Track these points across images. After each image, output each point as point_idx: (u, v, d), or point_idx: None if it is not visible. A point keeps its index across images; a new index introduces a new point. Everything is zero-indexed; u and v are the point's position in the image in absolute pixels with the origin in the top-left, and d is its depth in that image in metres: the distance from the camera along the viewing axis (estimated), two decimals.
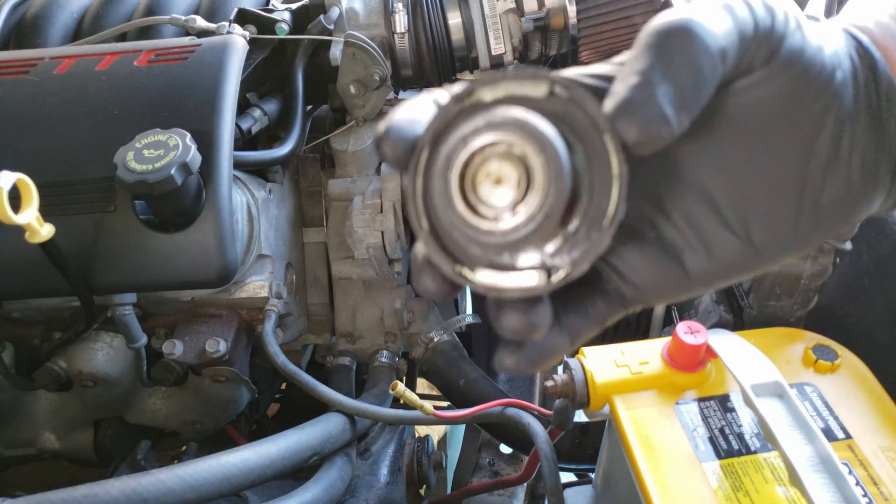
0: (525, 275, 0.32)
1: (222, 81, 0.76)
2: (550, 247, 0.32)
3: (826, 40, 0.36)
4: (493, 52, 1.01)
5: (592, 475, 0.82)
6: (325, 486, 0.73)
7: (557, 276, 0.32)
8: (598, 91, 0.34)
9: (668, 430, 0.63)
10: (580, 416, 0.72)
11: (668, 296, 0.39)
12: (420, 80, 1.06)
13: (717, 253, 0.37)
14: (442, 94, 0.35)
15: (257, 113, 0.93)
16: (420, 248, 0.34)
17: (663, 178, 0.37)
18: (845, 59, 0.36)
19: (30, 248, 0.63)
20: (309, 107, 1.09)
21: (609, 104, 0.31)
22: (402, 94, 1.15)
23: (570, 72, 0.37)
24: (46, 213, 0.63)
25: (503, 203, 0.30)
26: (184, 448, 0.95)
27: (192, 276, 0.71)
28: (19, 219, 0.59)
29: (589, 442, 0.88)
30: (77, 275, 0.71)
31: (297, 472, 0.73)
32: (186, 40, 0.85)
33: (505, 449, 1.08)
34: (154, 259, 0.71)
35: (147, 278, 0.72)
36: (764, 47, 0.34)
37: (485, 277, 0.32)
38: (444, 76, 1.06)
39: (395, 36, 1.00)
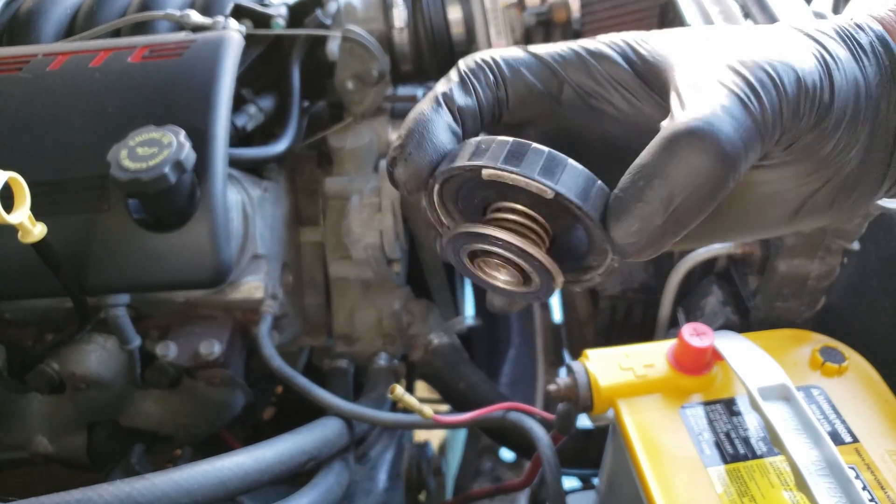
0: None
1: (217, 78, 0.75)
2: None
3: (855, 97, 0.32)
4: (495, 47, 1.00)
5: (596, 480, 0.81)
6: (322, 492, 0.72)
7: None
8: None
9: (673, 435, 0.62)
10: (584, 421, 0.71)
11: None
12: (419, 75, 1.06)
13: None
14: (455, 93, 0.36)
15: (253, 109, 0.92)
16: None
17: None
18: (869, 96, 0.33)
19: (22, 248, 0.62)
20: (306, 103, 1.08)
21: (611, 211, 0.31)
22: (400, 90, 1.14)
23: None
24: (39, 212, 0.62)
25: (504, 279, 0.40)
26: (179, 452, 0.94)
27: (186, 276, 0.70)
28: (11, 218, 0.58)
29: (592, 446, 0.87)
30: (70, 275, 0.70)
31: (294, 477, 0.73)
32: (181, 36, 0.83)
33: (506, 454, 1.08)
34: (148, 259, 0.70)
35: (140, 278, 0.71)
36: (785, 140, 0.32)
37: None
38: (443, 71, 1.04)
39: (394, 30, 0.99)
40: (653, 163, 0.30)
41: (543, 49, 0.37)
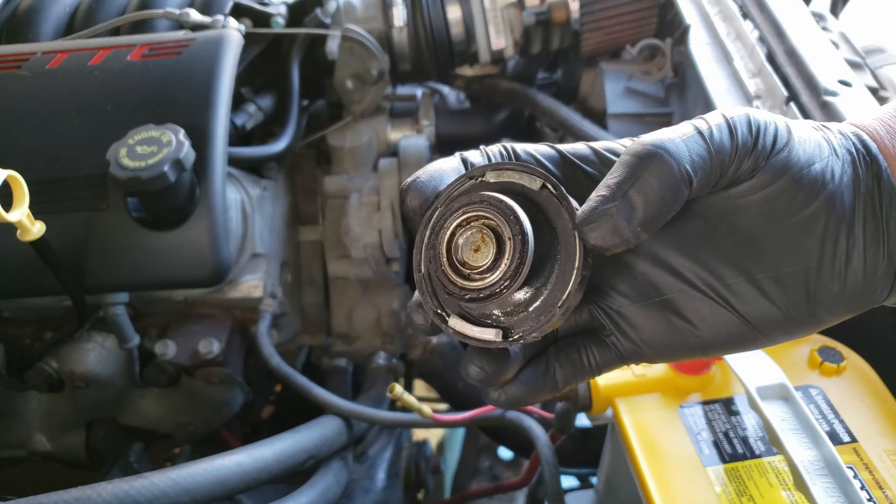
0: (487, 330, 0.38)
1: (217, 76, 0.75)
2: (510, 310, 0.38)
3: (819, 154, 0.38)
4: (494, 47, 1.01)
5: (594, 479, 0.81)
6: (320, 490, 0.72)
7: (512, 338, 0.38)
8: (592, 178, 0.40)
9: (671, 434, 0.62)
10: (582, 420, 0.71)
11: (667, 357, 0.42)
12: (419, 74, 1.06)
13: (717, 326, 0.40)
14: (471, 154, 0.41)
15: (252, 108, 0.92)
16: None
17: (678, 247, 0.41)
18: (840, 169, 0.38)
19: (21, 246, 0.62)
20: (305, 102, 1.08)
21: (580, 210, 0.36)
22: (399, 89, 1.14)
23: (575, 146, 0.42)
24: (38, 210, 0.62)
25: (477, 265, 0.38)
26: (177, 450, 0.94)
27: (185, 274, 0.70)
28: (10, 217, 0.58)
29: (591, 446, 0.87)
30: (69, 273, 0.69)
31: (293, 475, 0.73)
32: (180, 34, 0.83)
33: (505, 453, 1.08)
34: (147, 257, 0.70)
35: (139, 277, 0.71)
36: (747, 164, 0.37)
37: (456, 324, 0.39)
38: (442, 71, 1.05)
39: (394, 30, 0.99)
40: (616, 172, 0.36)
41: (565, 147, 0.42)
